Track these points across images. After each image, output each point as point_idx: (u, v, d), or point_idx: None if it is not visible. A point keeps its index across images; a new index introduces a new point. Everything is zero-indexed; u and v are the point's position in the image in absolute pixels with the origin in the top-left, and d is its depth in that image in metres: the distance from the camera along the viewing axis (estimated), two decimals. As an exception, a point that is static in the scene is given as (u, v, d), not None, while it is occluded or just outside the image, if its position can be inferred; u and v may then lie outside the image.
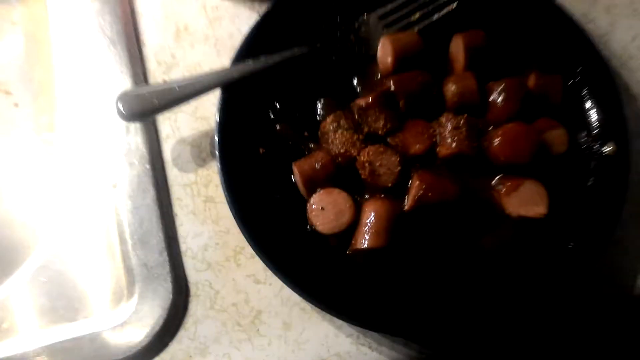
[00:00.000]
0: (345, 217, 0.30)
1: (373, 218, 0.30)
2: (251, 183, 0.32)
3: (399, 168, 0.30)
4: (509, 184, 0.30)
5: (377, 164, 0.30)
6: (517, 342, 0.32)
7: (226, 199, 0.30)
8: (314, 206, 0.30)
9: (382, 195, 0.31)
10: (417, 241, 0.31)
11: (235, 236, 0.31)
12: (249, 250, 0.30)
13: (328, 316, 0.31)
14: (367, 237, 0.30)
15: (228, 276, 0.33)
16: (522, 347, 0.32)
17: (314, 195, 0.31)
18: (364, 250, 0.30)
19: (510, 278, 0.30)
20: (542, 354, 0.33)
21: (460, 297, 0.30)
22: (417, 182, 0.30)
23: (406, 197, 0.30)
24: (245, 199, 0.31)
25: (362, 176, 0.30)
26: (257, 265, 0.31)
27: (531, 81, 0.32)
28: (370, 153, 0.30)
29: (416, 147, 0.31)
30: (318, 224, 0.30)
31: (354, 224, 0.30)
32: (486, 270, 0.31)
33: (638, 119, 0.35)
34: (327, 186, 0.31)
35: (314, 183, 0.31)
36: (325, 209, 0.30)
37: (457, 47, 0.33)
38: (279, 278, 0.29)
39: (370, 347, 0.32)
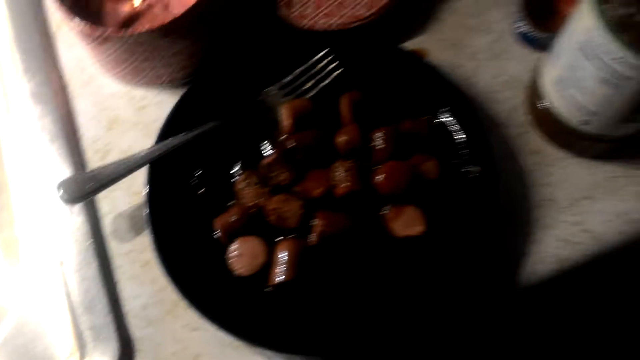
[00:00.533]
0: (259, 259, 0.35)
1: (284, 256, 0.35)
2: (180, 243, 0.37)
3: (302, 211, 0.36)
4: (394, 211, 0.36)
5: (283, 210, 0.36)
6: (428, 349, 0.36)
7: (158, 261, 0.35)
8: (232, 254, 0.36)
9: (291, 236, 0.36)
10: (326, 269, 0.36)
11: (171, 293, 0.35)
12: (183, 302, 0.34)
13: (258, 349, 0.35)
14: (279, 273, 0.35)
15: (167, 328, 0.36)
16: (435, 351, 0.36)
17: (231, 245, 0.36)
18: (279, 284, 0.35)
19: (409, 289, 0.35)
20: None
21: (374, 312, 0.35)
22: (319, 220, 0.36)
23: (311, 234, 0.36)
24: (175, 258, 0.36)
25: (271, 222, 0.36)
26: (192, 314, 0.34)
27: (404, 126, 0.39)
28: (276, 202, 0.36)
29: (316, 191, 0.37)
30: (237, 268, 0.35)
31: (269, 264, 0.35)
32: (388, 289, 0.35)
33: (504, 143, 0.41)
34: (243, 235, 0.36)
35: (232, 234, 0.36)
36: (242, 255, 0.35)
37: (344, 105, 0.40)
38: (210, 323, 0.34)
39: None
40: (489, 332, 0.37)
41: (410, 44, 0.45)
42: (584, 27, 0.32)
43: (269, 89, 0.41)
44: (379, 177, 0.36)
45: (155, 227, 0.36)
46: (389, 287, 0.36)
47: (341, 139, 0.38)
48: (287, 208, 0.36)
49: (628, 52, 0.30)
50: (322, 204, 0.37)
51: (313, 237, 0.35)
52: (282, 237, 0.36)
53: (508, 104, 0.43)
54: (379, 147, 0.38)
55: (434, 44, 0.45)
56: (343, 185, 0.36)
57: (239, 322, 0.34)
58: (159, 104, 0.44)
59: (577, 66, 0.34)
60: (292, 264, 0.35)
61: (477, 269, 0.36)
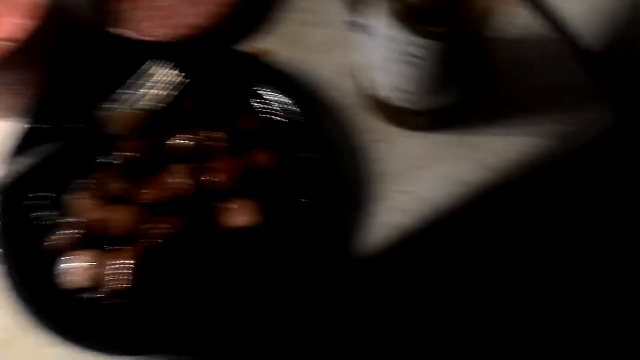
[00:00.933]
0: (91, 271, 0.36)
1: (117, 264, 0.37)
2: (23, 264, 0.37)
3: (132, 218, 0.37)
4: (225, 204, 0.38)
5: (113, 219, 0.38)
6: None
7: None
8: (65, 270, 0.37)
9: (128, 244, 0.37)
10: (165, 272, 0.38)
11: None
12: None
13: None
14: (112, 281, 0.36)
15: (26, 348, 0.37)
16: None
17: (63, 260, 0.37)
18: (115, 291, 0.36)
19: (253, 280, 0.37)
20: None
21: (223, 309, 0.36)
22: (150, 225, 0.37)
23: (146, 239, 0.37)
24: (19, 279, 0.37)
25: (103, 232, 0.37)
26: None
27: (238, 124, 0.41)
28: (104, 212, 0.38)
29: (151, 197, 0.38)
30: (71, 281, 0.36)
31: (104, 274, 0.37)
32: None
33: (342, 125, 0.44)
34: (77, 250, 0.37)
35: (65, 251, 0.37)
36: (74, 269, 0.37)
37: (179, 112, 0.42)
38: (61, 339, 0.35)
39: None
40: (331, 305, 0.40)
41: (252, 45, 0.47)
42: (378, 17, 0.35)
43: (107, 104, 0.42)
44: (212, 176, 0.38)
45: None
46: (229, 280, 0.37)
47: (176, 143, 0.40)
48: (116, 217, 0.37)
49: (416, 37, 0.33)
50: (159, 208, 0.38)
51: (147, 242, 0.37)
52: (118, 247, 0.38)
53: (343, 89, 0.45)
54: (213, 147, 0.40)
55: (277, 43, 0.48)
56: (175, 188, 0.38)
57: (88, 334, 0.35)
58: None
59: (373, 50, 0.37)
60: (127, 271, 0.36)
61: (317, 247, 0.38)
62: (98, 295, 0.36)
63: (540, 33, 0.46)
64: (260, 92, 0.43)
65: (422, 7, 0.30)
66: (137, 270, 0.36)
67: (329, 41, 0.47)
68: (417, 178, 0.42)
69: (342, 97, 0.45)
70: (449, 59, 0.34)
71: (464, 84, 0.38)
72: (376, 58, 0.38)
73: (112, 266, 0.36)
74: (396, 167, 0.42)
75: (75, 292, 0.36)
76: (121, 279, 0.36)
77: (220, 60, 0.43)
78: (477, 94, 0.43)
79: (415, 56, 0.34)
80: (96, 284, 0.36)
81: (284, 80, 0.43)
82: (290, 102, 0.42)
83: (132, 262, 0.36)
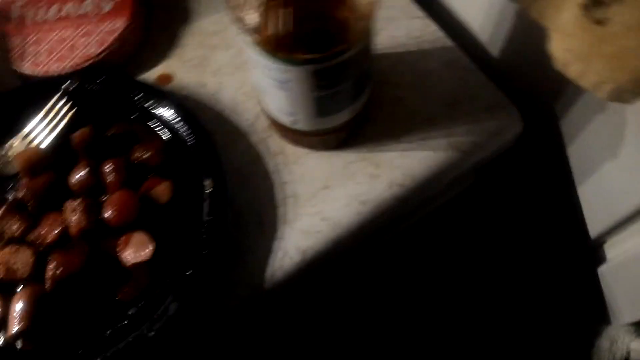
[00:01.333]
0: None
1: (19, 307, 0.36)
2: None
3: (33, 259, 0.37)
4: (123, 239, 0.38)
5: (13, 261, 0.37)
6: None
7: None
8: None
9: (29, 285, 0.37)
10: (67, 310, 0.37)
11: None
12: None
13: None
14: (15, 324, 0.35)
15: None
16: None
17: None
18: (16, 335, 0.35)
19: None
20: None
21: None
22: (50, 264, 0.36)
23: (47, 279, 0.36)
24: None
25: (3, 276, 0.36)
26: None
27: (133, 154, 0.40)
28: (5, 254, 0.37)
29: (51, 236, 0.38)
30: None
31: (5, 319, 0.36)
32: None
33: (249, 149, 0.43)
34: None
35: None
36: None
37: (75, 144, 0.41)
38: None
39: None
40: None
41: (155, 71, 0.47)
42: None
43: (10, 141, 0.42)
44: (107, 211, 0.38)
45: None
46: (132, 315, 0.37)
47: (72, 179, 0.39)
48: (16, 259, 0.36)
49: (279, 64, 0.33)
50: (59, 246, 0.38)
51: (48, 283, 0.36)
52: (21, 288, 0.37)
53: (251, 112, 0.45)
54: (109, 179, 0.39)
55: (179, 67, 0.47)
56: (73, 225, 0.37)
57: None
58: None
59: (257, 75, 0.37)
60: (28, 313, 0.35)
61: (217, 276, 0.38)
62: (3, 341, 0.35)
63: (437, 42, 0.47)
64: (156, 119, 0.42)
65: (279, 35, 0.30)
66: (36, 313, 0.35)
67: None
68: (323, 198, 0.42)
69: (250, 121, 0.45)
70: (317, 81, 0.34)
71: (347, 103, 0.38)
72: (260, 83, 0.38)
73: (13, 309, 0.35)
74: (304, 189, 0.42)
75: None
76: (19, 323, 0.35)
77: (115, 89, 0.43)
78: (367, 112, 0.43)
79: (284, 81, 0.34)
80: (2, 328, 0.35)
81: (181, 106, 0.42)
82: (186, 127, 0.41)
83: (31, 304, 0.35)
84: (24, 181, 0.39)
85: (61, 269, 0.36)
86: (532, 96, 0.47)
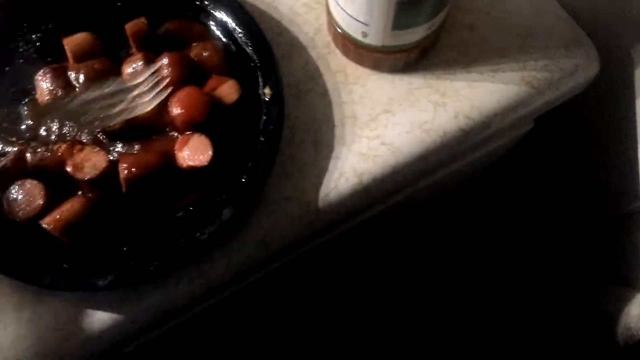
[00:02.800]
0: (37, 202, 0.33)
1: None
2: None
3: (106, 164, 0.34)
4: (181, 139, 0.35)
5: (84, 159, 0.34)
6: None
7: None
8: (7, 199, 0.34)
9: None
10: (121, 213, 0.35)
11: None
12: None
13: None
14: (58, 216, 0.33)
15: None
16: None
17: (5, 191, 0.34)
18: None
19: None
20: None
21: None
22: (122, 166, 0.34)
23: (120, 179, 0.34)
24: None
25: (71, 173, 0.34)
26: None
27: (191, 52, 0.38)
28: (70, 151, 0.34)
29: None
30: (14, 212, 0.33)
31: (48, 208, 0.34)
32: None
33: (308, 64, 0.41)
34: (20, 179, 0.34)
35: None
36: (17, 199, 0.33)
37: (130, 35, 0.38)
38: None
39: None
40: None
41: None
42: None
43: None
44: (175, 108, 0.35)
45: None
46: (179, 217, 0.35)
47: (127, 70, 0.36)
48: (89, 157, 0.34)
49: None
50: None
51: (123, 184, 0.34)
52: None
53: (312, 26, 0.42)
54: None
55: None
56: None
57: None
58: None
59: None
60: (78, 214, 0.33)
61: (270, 187, 0.36)
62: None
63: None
64: (213, 21, 0.40)
65: None
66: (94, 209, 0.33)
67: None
68: (385, 123, 0.39)
69: (310, 35, 0.42)
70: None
71: (426, 18, 0.35)
72: None
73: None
74: (364, 111, 0.40)
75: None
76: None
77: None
78: (438, 35, 0.40)
79: None
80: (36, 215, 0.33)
81: (240, 10, 0.39)
82: (245, 33, 0.39)
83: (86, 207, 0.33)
84: (74, 65, 0.36)
85: (134, 169, 0.34)
86: (607, 38, 0.44)
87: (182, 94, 0.36)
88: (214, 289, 0.37)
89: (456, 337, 0.65)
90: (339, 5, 0.36)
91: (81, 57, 0.37)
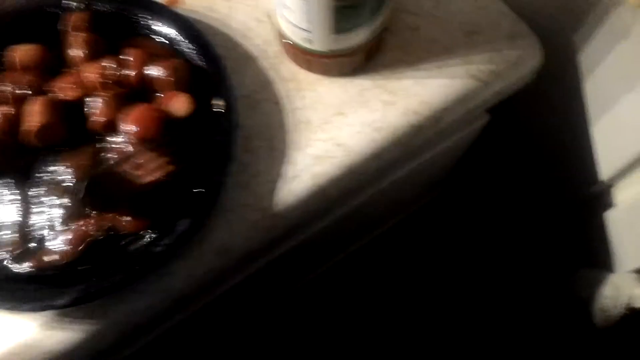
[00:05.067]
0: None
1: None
2: None
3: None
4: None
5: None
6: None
7: None
8: None
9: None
10: None
11: None
12: None
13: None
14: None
15: None
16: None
17: None
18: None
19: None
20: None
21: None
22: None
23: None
24: None
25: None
26: None
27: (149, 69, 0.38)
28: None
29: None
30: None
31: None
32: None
33: (261, 74, 0.42)
34: None
35: None
36: None
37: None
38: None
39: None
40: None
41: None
42: None
43: None
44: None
45: None
46: None
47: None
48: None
49: None
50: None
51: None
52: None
53: (263, 37, 0.43)
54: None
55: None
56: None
57: None
58: None
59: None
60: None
61: (226, 196, 0.37)
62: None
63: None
64: (164, 38, 0.41)
65: None
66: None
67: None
68: (337, 125, 0.40)
69: (261, 46, 0.43)
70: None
71: (365, 19, 0.36)
72: None
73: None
74: (317, 116, 0.41)
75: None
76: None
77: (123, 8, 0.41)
78: (383, 37, 0.41)
79: None
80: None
81: (189, 27, 0.40)
82: (196, 49, 0.40)
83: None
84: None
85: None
86: (550, 29, 0.46)
87: (134, 112, 0.37)
88: (178, 301, 0.37)
89: (433, 327, 0.65)
90: (283, 15, 0.38)
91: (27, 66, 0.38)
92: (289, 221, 0.39)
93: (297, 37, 0.38)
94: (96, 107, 0.37)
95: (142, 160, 0.36)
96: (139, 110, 0.37)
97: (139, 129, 0.36)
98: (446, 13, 0.44)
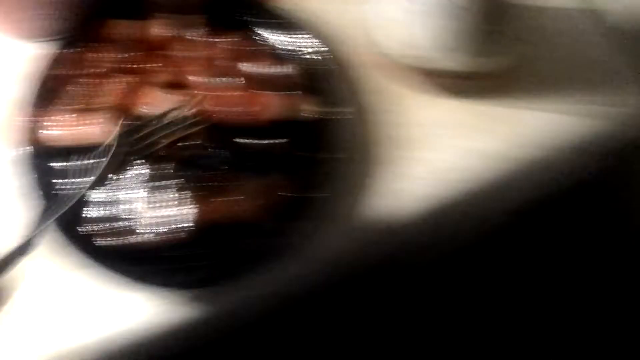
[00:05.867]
0: None
1: None
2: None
3: None
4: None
5: None
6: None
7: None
8: None
9: None
10: None
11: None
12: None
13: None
14: None
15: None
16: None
17: None
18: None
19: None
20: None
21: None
22: None
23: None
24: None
25: None
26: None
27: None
28: None
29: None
30: None
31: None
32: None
33: (355, 83, 0.41)
34: None
35: None
36: None
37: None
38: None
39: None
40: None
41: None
42: None
43: None
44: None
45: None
46: None
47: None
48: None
49: None
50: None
51: None
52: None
53: (359, 46, 0.42)
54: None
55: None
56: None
57: None
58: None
59: (416, 2, 0.35)
60: None
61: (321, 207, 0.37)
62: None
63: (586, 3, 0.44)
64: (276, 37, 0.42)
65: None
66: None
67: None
68: (434, 146, 0.40)
69: (356, 54, 0.42)
70: (491, 12, 0.32)
71: (503, 47, 0.36)
72: (399, 10, 0.36)
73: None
74: (412, 133, 0.40)
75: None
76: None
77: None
78: (514, 63, 0.39)
79: (458, 6, 0.33)
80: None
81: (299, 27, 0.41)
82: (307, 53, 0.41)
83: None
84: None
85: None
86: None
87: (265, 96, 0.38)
88: (282, 299, 0.38)
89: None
90: (410, 28, 0.37)
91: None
92: (386, 239, 0.39)
93: (420, 52, 0.38)
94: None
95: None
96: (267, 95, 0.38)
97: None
98: (570, 47, 0.43)
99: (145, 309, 0.36)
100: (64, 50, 0.40)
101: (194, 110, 0.38)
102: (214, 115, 0.38)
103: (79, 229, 0.35)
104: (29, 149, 0.37)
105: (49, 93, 0.39)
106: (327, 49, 0.41)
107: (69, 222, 0.35)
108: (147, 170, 0.37)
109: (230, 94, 0.39)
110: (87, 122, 0.38)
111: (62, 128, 0.38)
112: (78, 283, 0.35)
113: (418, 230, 0.39)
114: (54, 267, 0.35)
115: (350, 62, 0.42)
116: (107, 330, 0.35)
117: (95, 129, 0.38)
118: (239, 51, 0.40)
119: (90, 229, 0.35)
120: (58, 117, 0.38)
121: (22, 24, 0.42)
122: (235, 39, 0.41)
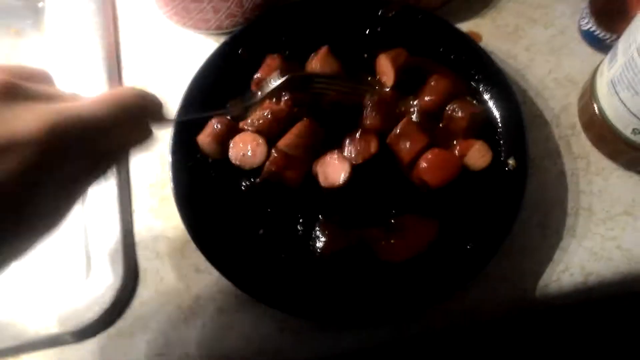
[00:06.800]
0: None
1: None
2: (198, 186, 0.36)
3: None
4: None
5: None
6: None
7: (174, 198, 0.35)
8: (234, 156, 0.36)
9: None
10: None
11: (183, 231, 0.35)
12: (192, 244, 0.34)
13: (257, 303, 0.34)
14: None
15: (174, 265, 0.37)
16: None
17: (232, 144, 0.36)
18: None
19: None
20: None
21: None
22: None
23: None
24: (190, 199, 0.36)
25: None
26: (199, 256, 0.34)
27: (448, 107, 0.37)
28: None
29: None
30: (241, 163, 0.36)
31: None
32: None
33: (549, 142, 0.39)
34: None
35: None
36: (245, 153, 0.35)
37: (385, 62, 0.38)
38: (215, 268, 0.34)
39: (292, 331, 0.35)
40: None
41: (463, 26, 0.43)
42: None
43: None
44: (425, 172, 0.35)
45: (175, 166, 0.36)
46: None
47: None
48: None
49: None
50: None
51: None
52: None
53: (560, 102, 0.40)
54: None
55: (490, 30, 0.43)
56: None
57: (241, 273, 0.34)
58: (200, 49, 0.42)
59: (632, 67, 0.31)
60: None
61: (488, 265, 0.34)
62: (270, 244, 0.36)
63: None
64: (470, 77, 0.39)
65: None
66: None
67: (548, 43, 0.42)
68: (624, 225, 0.36)
69: (556, 111, 0.40)
70: None
71: None
72: (620, 76, 0.32)
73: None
74: (602, 207, 0.37)
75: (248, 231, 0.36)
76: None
77: (437, 32, 0.40)
78: None
79: None
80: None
81: (497, 71, 0.38)
82: (499, 96, 0.38)
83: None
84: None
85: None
86: None
87: (432, 155, 0.35)
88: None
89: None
90: (617, 96, 0.34)
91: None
92: (541, 307, 0.36)
93: (622, 123, 0.34)
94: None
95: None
96: (440, 155, 0.35)
97: (434, 175, 0.35)
98: None
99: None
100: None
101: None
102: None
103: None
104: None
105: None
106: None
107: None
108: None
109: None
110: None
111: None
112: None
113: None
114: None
115: (552, 118, 0.40)
116: None
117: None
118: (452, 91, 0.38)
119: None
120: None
121: (198, 16, 0.41)
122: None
